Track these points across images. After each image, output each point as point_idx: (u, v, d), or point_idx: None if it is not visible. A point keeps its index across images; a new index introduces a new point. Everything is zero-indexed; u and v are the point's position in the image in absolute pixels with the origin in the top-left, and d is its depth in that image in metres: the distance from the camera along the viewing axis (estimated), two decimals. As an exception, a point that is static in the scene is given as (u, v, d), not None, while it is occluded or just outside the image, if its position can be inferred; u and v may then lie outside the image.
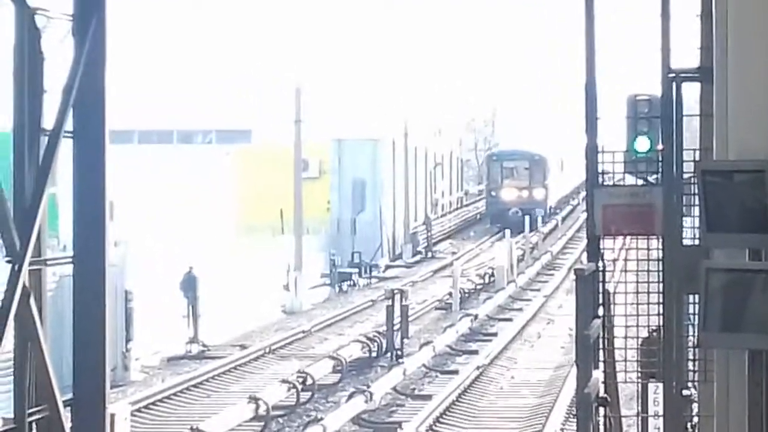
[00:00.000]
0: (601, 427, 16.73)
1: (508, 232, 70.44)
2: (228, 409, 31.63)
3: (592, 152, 18.45)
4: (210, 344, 44.00)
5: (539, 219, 73.66)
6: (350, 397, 32.64)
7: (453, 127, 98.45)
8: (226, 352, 42.65)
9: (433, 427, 30.36)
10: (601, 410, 16.84)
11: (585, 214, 19.46)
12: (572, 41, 17.15)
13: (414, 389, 35.45)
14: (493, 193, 78.57)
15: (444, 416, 31.59)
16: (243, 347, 43.40)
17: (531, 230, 71.74)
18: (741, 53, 14.25)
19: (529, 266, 68.42)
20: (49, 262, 19.49)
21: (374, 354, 40.86)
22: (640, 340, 18.25)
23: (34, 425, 18.53)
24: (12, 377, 18.26)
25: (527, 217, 72.01)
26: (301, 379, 35.08)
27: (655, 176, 17.62)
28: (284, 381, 35.26)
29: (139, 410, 29.02)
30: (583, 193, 20.19)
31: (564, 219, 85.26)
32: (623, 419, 17.89)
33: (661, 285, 17.49)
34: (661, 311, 17.39)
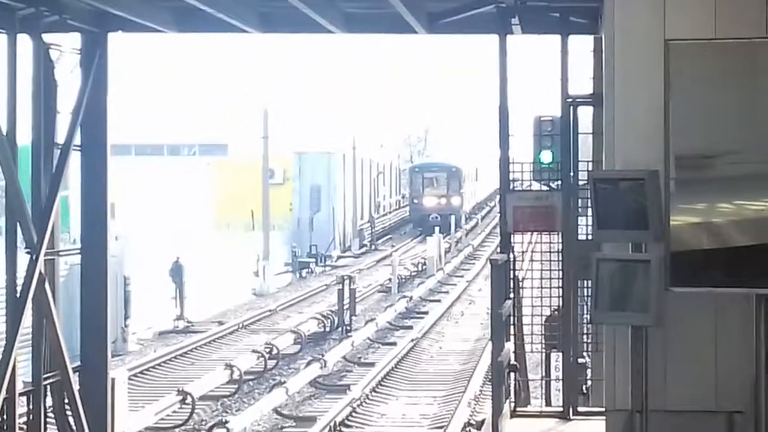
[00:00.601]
0: (512, 389, 16.78)
1: (437, 228, 69.91)
2: (208, 374, 31.56)
3: (504, 163, 18.58)
4: (193, 321, 43.94)
5: (455, 223, 71.18)
6: (308, 364, 32.58)
7: (393, 142, 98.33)
8: (207, 327, 42.55)
9: (376, 389, 30.29)
10: (512, 375, 16.90)
11: (499, 215, 19.55)
12: (489, 71, 17.22)
13: (360, 358, 35.33)
14: (415, 201, 75.58)
15: (385, 380, 31.56)
16: (220, 323, 43.31)
17: (452, 232, 70.74)
18: (625, 83, 14.40)
19: (454, 257, 68.04)
20: (61, 253, 19.81)
21: (328, 329, 40.80)
22: (543, 317, 18.37)
23: (48, 387, 18.60)
24: (30, 348, 18.31)
25: (446, 221, 70.84)
26: (268, 350, 35.05)
27: (556, 183, 17.70)
28: (254, 351, 35.22)
29: (135, 375, 28.91)
30: (497, 198, 20.39)
31: (483, 218, 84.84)
32: (530, 382, 17.93)
33: (560, 272, 17.59)
34: (561, 294, 17.49)
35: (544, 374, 18.13)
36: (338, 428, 25.51)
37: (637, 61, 14.24)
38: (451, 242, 70.90)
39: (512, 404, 16.48)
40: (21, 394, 17.47)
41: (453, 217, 71.42)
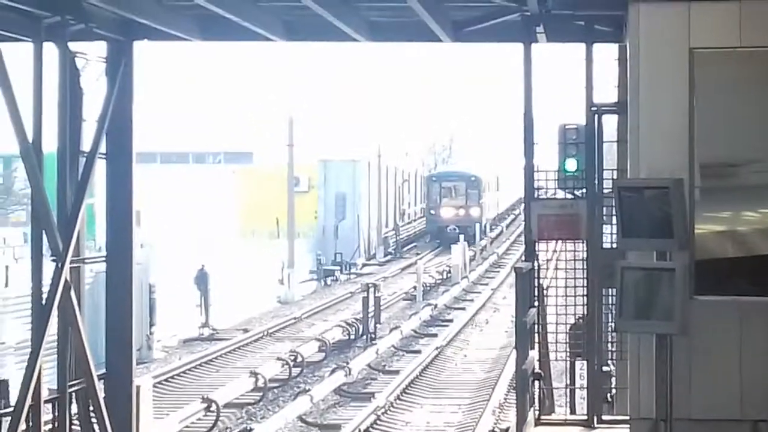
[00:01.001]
0: (536, 397, 16.80)
1: (461, 237, 67.47)
2: (233, 382, 31.64)
3: (529, 171, 18.56)
4: (218, 328, 43.99)
5: (479, 231, 68.62)
6: (333, 371, 32.63)
7: (418, 150, 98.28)
8: (232, 335, 42.60)
9: (400, 396, 30.33)
10: (537, 383, 16.92)
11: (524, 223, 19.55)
12: (514, 80, 17.20)
13: (385, 366, 35.37)
14: (432, 212, 72.86)
15: (409, 388, 31.58)
16: (245, 331, 43.35)
17: (476, 241, 69.04)
18: (649, 91, 14.38)
19: (479, 265, 67.95)
20: (86, 261, 19.77)
21: (352, 336, 40.81)
22: (568, 326, 18.33)
23: (73, 395, 18.62)
24: (55, 356, 18.33)
25: (465, 233, 67.18)
26: (293, 357, 35.05)
27: (580, 191, 17.69)
28: (279, 359, 35.24)
29: (159, 383, 28.96)
30: (520, 208, 20.36)
31: (508, 226, 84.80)
32: (554, 391, 17.89)
33: (585, 281, 17.59)
34: (585, 302, 17.48)
35: (568, 382, 18.11)
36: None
37: (662, 69, 14.23)
38: (475, 250, 70.66)
39: (536, 412, 16.50)
40: (46, 402, 17.49)
41: (472, 229, 69.11)
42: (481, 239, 66.03)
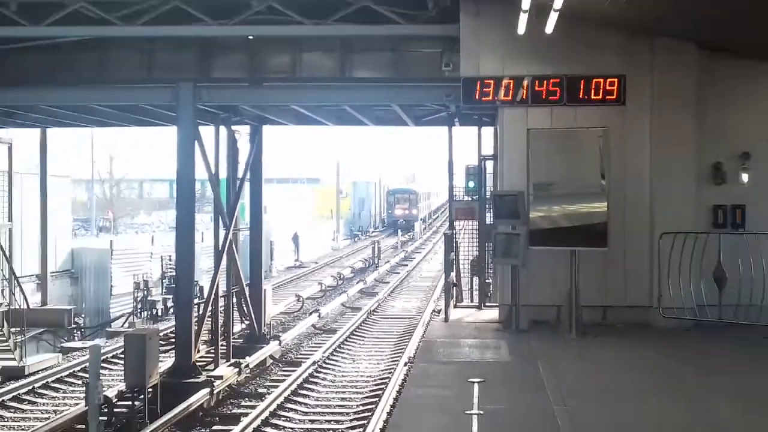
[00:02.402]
0: (454, 294, 16.73)
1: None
2: (310, 287, 31.61)
3: (451, 187, 18.54)
4: (303, 262, 43.92)
5: (414, 225, 63.71)
6: (357, 282, 32.67)
7: (399, 176, 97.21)
8: (309, 265, 42.49)
9: (389, 294, 30.34)
10: (454, 288, 16.87)
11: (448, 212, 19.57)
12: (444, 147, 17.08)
13: (383, 279, 35.26)
14: (390, 211, 68.60)
15: (394, 290, 31.55)
16: (316, 263, 43.26)
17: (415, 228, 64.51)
18: (507, 148, 14.42)
19: (429, 233, 67.49)
20: (240, 230, 19.87)
21: (367, 266, 40.74)
22: (470, 260, 18.30)
23: (233, 293, 18.65)
24: (226, 275, 18.36)
25: (409, 224, 64.59)
26: (338, 275, 35.14)
27: (475, 196, 17.66)
28: (332, 276, 35.32)
29: (275, 287, 28.93)
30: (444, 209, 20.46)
31: (436, 219, 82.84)
32: (463, 292, 17.79)
33: (478, 239, 17.56)
34: (477, 249, 17.49)
35: (470, 287, 18.06)
36: (372, 312, 25.64)
37: (514, 138, 14.13)
38: (424, 226, 70.29)
39: (453, 302, 16.49)
40: (221, 296, 17.59)
41: (412, 222, 65.24)
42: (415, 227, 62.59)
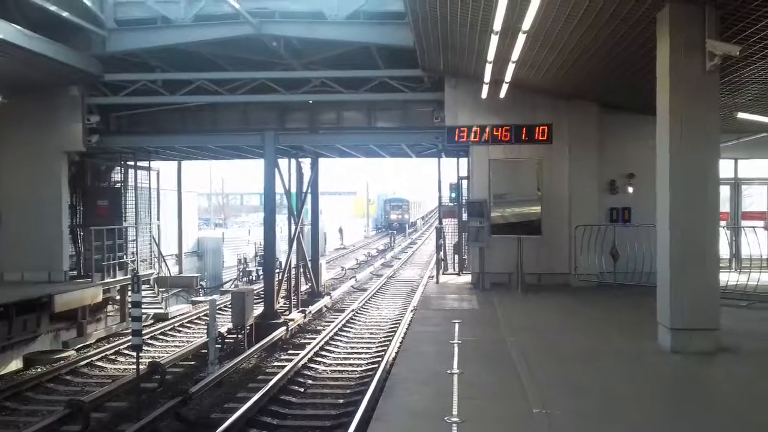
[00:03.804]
0: (442, 266, 16.69)
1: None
2: (349, 262, 31.45)
3: (440, 197, 18.46)
4: (345, 245, 43.65)
5: (406, 227, 54.27)
6: (380, 258, 32.56)
7: (404, 189, 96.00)
8: (349, 247, 42.20)
9: (401, 266, 30.15)
10: (442, 262, 16.84)
11: (438, 212, 19.38)
12: (433, 169, 16.86)
13: (396, 256, 35.09)
14: (386, 216, 56.76)
15: (404, 264, 31.31)
16: (354, 246, 43.05)
17: (409, 229, 55.88)
18: (476, 171, 14.35)
19: (425, 228, 66.65)
20: (305, 224, 19.68)
21: (386, 248, 40.50)
22: (452, 244, 18.17)
23: (301, 266, 18.53)
24: (295, 254, 18.27)
25: (402, 227, 54.31)
26: (368, 254, 34.96)
27: (455, 203, 17.57)
28: (364, 254, 35.17)
29: (327, 262, 28.87)
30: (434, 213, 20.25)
31: (426, 222, 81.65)
32: (448, 264, 17.65)
33: (457, 231, 17.49)
34: (458, 236, 17.41)
35: (452, 261, 17.95)
36: (390, 279, 25.52)
37: (480, 165, 14.12)
38: (417, 226, 68.07)
39: (442, 270, 16.44)
40: (293, 268, 17.59)
41: (405, 225, 55.30)
42: (409, 228, 55.09)
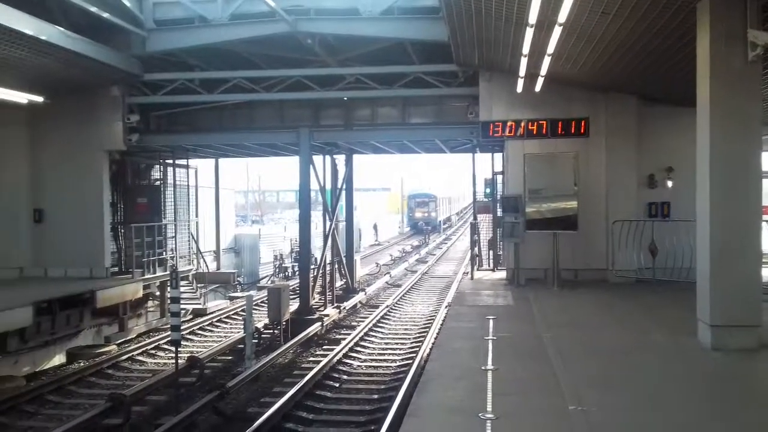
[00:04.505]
0: (476, 262, 16.58)
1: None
2: (385, 256, 31.46)
3: (474, 192, 18.38)
4: (380, 242, 43.68)
5: (435, 226, 49.55)
6: (415, 255, 32.54)
7: (437, 185, 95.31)
8: (384, 244, 42.27)
9: (436, 262, 30.10)
10: (477, 258, 16.73)
11: (473, 208, 19.26)
12: (468, 164, 16.71)
13: (431, 251, 35.05)
14: (410, 214, 51.73)
15: (439, 259, 31.29)
16: (388, 242, 43.04)
17: (441, 229, 51.58)
18: (511, 166, 14.24)
19: (460, 224, 66.19)
20: (339, 221, 19.64)
21: (421, 244, 40.42)
22: (487, 239, 18.07)
23: (336, 261, 18.56)
24: (330, 251, 18.31)
25: (428, 226, 48.10)
26: (403, 250, 34.93)
27: (490, 198, 17.43)
28: (398, 251, 35.13)
29: (362, 258, 28.92)
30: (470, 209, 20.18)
31: (465, 215, 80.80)
32: (483, 260, 17.54)
33: (492, 226, 17.38)
34: (492, 232, 17.29)
35: (487, 257, 17.81)
36: (424, 275, 25.52)
37: (515, 160, 14.02)
38: (450, 223, 66.55)
39: (476, 266, 16.36)
40: (328, 264, 17.61)
41: (432, 223, 49.46)
42: (434, 230, 49.21)
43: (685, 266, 11.89)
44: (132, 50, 14.15)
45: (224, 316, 17.33)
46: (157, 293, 16.59)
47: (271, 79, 15.44)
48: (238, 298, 19.62)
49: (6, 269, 15.13)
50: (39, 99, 13.22)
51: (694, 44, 8.09)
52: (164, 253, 17.26)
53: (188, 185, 19.21)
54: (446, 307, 15.92)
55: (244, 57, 15.15)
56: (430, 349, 10.35)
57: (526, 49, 9.68)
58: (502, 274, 15.24)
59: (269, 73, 15.36)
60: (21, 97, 12.80)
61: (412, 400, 6.45)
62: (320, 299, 17.28)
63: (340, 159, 19.28)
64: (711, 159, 7.73)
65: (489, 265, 17.11)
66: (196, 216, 20.30)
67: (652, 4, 8.19)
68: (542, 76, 11.60)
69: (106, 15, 12.72)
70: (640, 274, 13.13)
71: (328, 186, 18.43)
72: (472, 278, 15.18)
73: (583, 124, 13.58)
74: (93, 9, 12.32)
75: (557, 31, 8.62)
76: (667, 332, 9.02)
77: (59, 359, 13.22)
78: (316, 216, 22.91)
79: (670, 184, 14.07)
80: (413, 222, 51.04)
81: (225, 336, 15.37)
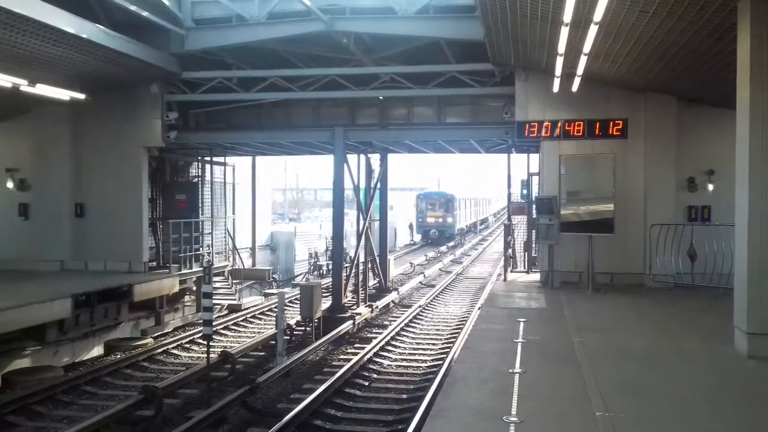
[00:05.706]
0: (510, 263, 16.49)
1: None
2: (418, 258, 31.34)
3: (509, 194, 18.27)
4: (416, 242, 43.06)
5: (452, 236, 41.55)
6: (450, 255, 32.39)
7: (471, 184, 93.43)
8: (419, 244, 41.92)
9: (470, 264, 29.95)
10: (511, 260, 16.62)
11: (507, 209, 19.13)
12: (503, 165, 16.62)
13: (467, 252, 34.84)
14: (420, 219, 41.39)
15: (472, 262, 31.11)
16: (423, 242, 42.66)
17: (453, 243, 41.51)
18: (547, 167, 14.09)
19: (489, 229, 65.40)
20: (373, 220, 19.62)
21: (456, 244, 40.05)
22: (522, 241, 17.95)
23: (369, 261, 18.58)
24: (363, 249, 18.35)
25: (443, 235, 40.74)
26: (426, 257, 34.51)
27: (526, 199, 17.32)
28: (434, 251, 35.01)
29: (396, 258, 28.93)
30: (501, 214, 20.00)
31: (499, 219, 79.19)
32: (517, 261, 17.45)
33: (526, 228, 17.27)
34: (527, 234, 17.19)
35: (522, 259, 17.71)
36: (458, 275, 25.44)
37: (551, 160, 13.88)
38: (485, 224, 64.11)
39: (510, 268, 16.26)
40: (361, 262, 17.69)
41: (447, 232, 41.06)
42: (451, 240, 40.90)
43: (725, 272, 11.60)
44: (171, 49, 14.41)
45: (258, 312, 17.50)
46: (194, 288, 16.85)
47: (308, 77, 15.55)
48: (272, 294, 19.82)
49: (48, 262, 15.57)
50: (81, 96, 13.57)
51: (734, 44, 7.90)
52: (201, 248, 17.52)
53: (225, 182, 19.47)
54: (479, 308, 15.84)
55: (281, 55, 15.28)
56: (461, 350, 10.29)
57: (561, 48, 9.55)
58: (535, 277, 15.07)
59: (305, 72, 15.47)
60: (63, 94, 13.15)
61: (436, 401, 6.43)
62: (353, 298, 17.34)
63: (375, 158, 19.31)
64: (750, 162, 7.53)
65: (523, 267, 16.93)
66: (233, 213, 20.57)
67: (690, 4, 8.01)
68: (579, 76, 11.44)
69: (145, 14, 12.98)
70: (679, 279, 12.86)
71: (363, 185, 18.48)
72: (505, 280, 15.08)
73: (621, 124, 13.35)
74: (133, 8, 12.58)
75: (593, 30, 8.49)
76: (702, 339, 8.81)
77: (97, 351, 13.55)
78: (352, 215, 22.99)
79: (711, 187, 13.75)
80: (424, 229, 41.53)
81: (258, 332, 15.55)
